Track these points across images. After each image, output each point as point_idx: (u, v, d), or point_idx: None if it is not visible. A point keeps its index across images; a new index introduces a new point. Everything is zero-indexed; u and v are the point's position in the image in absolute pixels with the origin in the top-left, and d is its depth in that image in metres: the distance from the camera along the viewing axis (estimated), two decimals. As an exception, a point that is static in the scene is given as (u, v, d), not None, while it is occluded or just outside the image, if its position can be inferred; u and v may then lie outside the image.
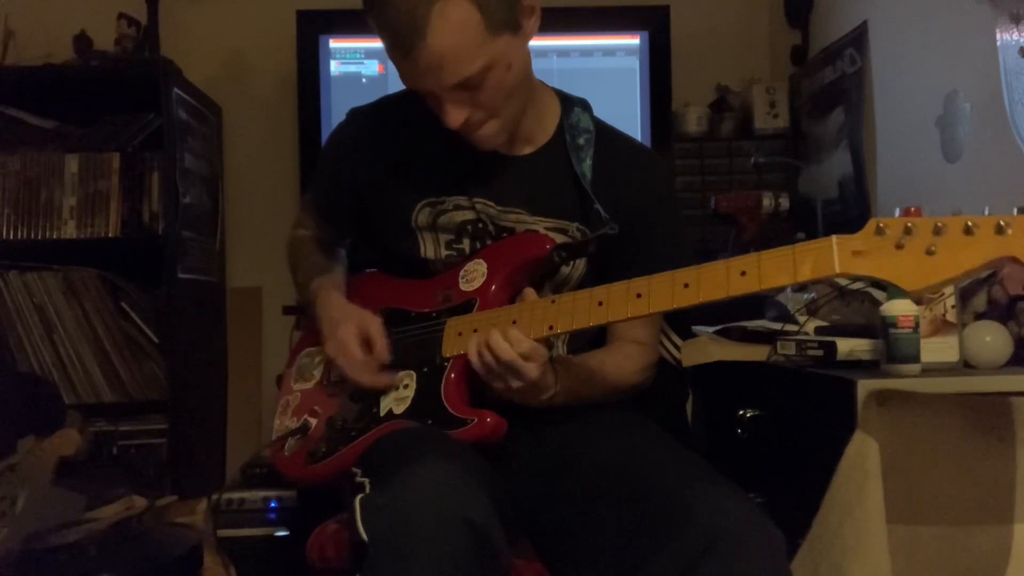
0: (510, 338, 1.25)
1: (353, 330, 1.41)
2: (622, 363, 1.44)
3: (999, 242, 1.03)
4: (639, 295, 1.23)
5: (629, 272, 1.27)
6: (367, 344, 1.41)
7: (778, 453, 1.55)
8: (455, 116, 1.30)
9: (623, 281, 1.25)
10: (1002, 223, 1.03)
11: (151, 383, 2.53)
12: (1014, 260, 1.04)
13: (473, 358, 1.28)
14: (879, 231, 1.09)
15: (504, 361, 1.25)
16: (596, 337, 1.49)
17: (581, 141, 1.46)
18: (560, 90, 1.52)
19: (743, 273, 1.16)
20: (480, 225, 1.44)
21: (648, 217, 1.45)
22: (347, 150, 1.52)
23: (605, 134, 1.49)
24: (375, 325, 1.42)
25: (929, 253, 1.06)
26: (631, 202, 1.44)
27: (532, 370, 1.26)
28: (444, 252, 1.45)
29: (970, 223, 1.05)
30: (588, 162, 1.45)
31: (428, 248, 1.45)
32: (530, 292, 1.35)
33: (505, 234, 1.44)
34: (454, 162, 1.45)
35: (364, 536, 1.11)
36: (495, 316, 1.35)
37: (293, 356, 1.59)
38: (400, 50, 1.25)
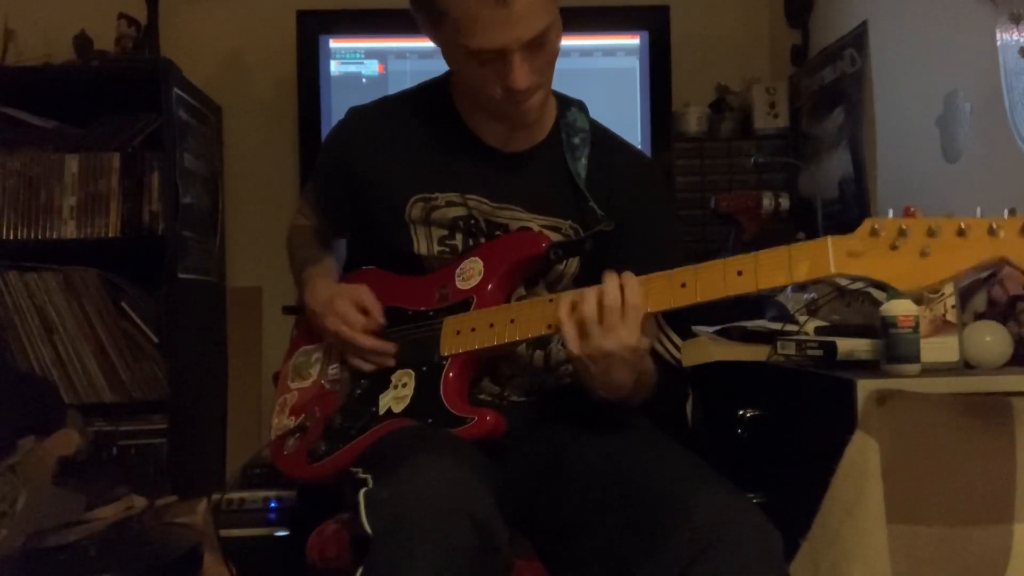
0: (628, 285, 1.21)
1: (347, 300, 1.44)
2: (650, 369, 1.43)
3: (991, 243, 1.05)
4: (637, 295, 1.23)
5: (623, 271, 1.27)
6: (363, 312, 1.43)
7: (778, 453, 1.55)
8: (524, 76, 1.31)
9: (619, 282, 1.25)
10: (994, 225, 1.05)
11: (151, 383, 2.53)
12: (1006, 262, 1.05)
13: (567, 306, 1.23)
14: (874, 232, 1.10)
15: (607, 304, 1.20)
16: None
17: (577, 140, 1.47)
18: (557, 91, 1.52)
19: (740, 273, 1.17)
20: (472, 222, 1.44)
21: (642, 217, 1.45)
22: (345, 146, 1.53)
23: (601, 135, 1.50)
24: (366, 293, 1.45)
25: (923, 254, 1.08)
26: (625, 201, 1.44)
27: (631, 332, 1.20)
28: (437, 248, 1.45)
29: (963, 225, 1.06)
30: (583, 161, 1.45)
31: (421, 244, 1.46)
32: (613, 276, 1.26)
33: (498, 231, 1.44)
34: (449, 160, 1.46)
35: (368, 529, 1.11)
36: (493, 314, 1.35)
37: (289, 354, 1.59)
38: None
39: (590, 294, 1.22)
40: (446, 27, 1.31)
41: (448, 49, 1.36)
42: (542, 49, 1.31)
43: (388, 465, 1.20)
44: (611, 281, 1.22)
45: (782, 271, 1.14)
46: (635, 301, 1.20)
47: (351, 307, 1.43)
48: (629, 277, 1.23)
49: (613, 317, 1.20)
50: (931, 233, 1.07)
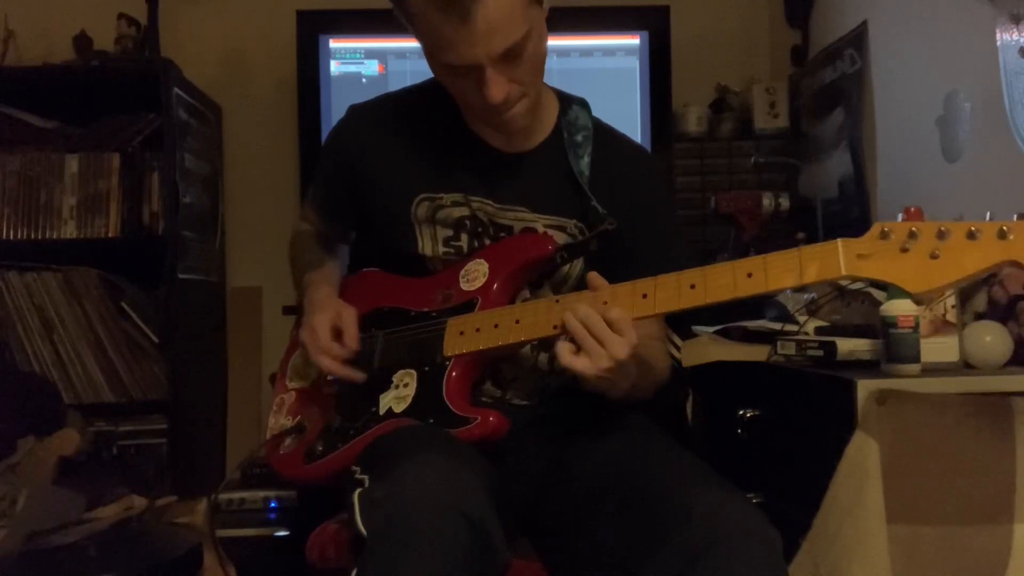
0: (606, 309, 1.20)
1: (326, 318, 1.43)
2: (659, 357, 1.42)
3: (1001, 247, 1.05)
4: (644, 295, 1.23)
5: (627, 270, 1.27)
6: (337, 333, 1.42)
7: (778, 453, 1.56)
8: (499, 89, 1.29)
9: (629, 281, 1.25)
10: (1004, 228, 1.05)
11: (151, 383, 2.53)
12: (1016, 265, 1.05)
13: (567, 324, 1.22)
14: (883, 235, 1.10)
15: (594, 329, 1.19)
16: None
17: (579, 139, 1.46)
18: (558, 89, 1.52)
19: (749, 275, 1.16)
20: (477, 222, 1.44)
21: (645, 215, 1.45)
22: (346, 145, 1.52)
23: (603, 132, 1.50)
24: (349, 316, 1.43)
25: (933, 257, 1.07)
26: (629, 200, 1.44)
27: (621, 345, 1.20)
28: (442, 249, 1.45)
29: (973, 228, 1.06)
30: (586, 159, 1.45)
31: (426, 244, 1.45)
32: (597, 277, 1.28)
33: (503, 232, 1.44)
34: (452, 160, 1.45)
35: (363, 529, 1.11)
36: (497, 315, 1.35)
37: (287, 355, 1.59)
38: (456, 14, 1.23)
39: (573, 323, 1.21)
40: (421, 40, 1.32)
41: (427, 59, 1.35)
42: (519, 59, 1.29)
43: (384, 465, 1.19)
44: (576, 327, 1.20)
45: (792, 273, 1.14)
46: (605, 334, 1.19)
47: (325, 326, 1.42)
48: (591, 315, 1.20)
49: (599, 356, 1.19)
50: (941, 236, 1.07)
